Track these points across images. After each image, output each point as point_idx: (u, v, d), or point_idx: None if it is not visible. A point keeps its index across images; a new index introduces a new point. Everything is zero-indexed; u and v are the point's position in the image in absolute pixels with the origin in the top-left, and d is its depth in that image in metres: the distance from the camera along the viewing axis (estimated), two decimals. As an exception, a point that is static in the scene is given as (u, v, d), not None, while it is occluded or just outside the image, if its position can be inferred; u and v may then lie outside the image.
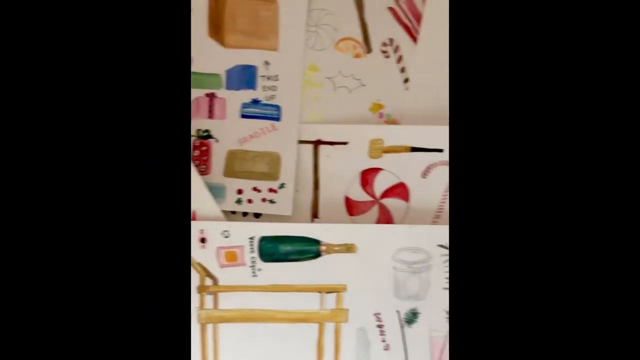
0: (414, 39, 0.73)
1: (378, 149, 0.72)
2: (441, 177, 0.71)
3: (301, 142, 0.73)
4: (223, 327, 0.69)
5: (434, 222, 0.71)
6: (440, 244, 0.69)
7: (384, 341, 0.70)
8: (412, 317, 0.70)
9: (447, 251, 0.69)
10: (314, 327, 0.70)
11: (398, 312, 0.70)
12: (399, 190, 0.72)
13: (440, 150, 0.71)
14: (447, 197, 0.71)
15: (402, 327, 0.70)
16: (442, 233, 0.69)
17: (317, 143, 0.73)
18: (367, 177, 0.72)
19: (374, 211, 0.73)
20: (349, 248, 0.69)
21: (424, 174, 0.72)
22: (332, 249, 0.69)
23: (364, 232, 0.70)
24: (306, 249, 0.69)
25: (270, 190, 0.72)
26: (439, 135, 0.71)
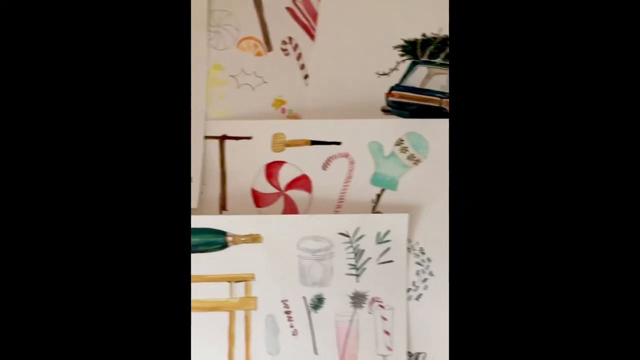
0: (312, 36, 0.75)
1: (280, 142, 0.74)
2: (340, 168, 0.73)
3: (207, 137, 0.74)
4: (137, 319, 0.70)
5: (336, 212, 0.73)
6: (341, 232, 0.71)
7: (292, 326, 0.72)
8: (317, 303, 0.72)
9: (348, 239, 0.72)
10: (224, 316, 0.71)
11: (304, 298, 0.72)
12: (302, 182, 0.74)
13: (338, 143, 0.73)
14: (347, 187, 0.73)
15: (308, 312, 0.72)
16: (342, 221, 0.72)
17: (222, 138, 0.74)
18: (271, 170, 0.74)
19: (280, 202, 0.74)
20: (254, 238, 0.71)
21: (324, 166, 0.73)
22: (239, 239, 0.71)
23: (267, 223, 0.71)
24: (213, 240, 0.71)
25: (178, 184, 0.74)
26: (337, 129, 0.73)
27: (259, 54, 0.75)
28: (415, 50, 0.74)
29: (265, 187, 0.74)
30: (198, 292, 0.71)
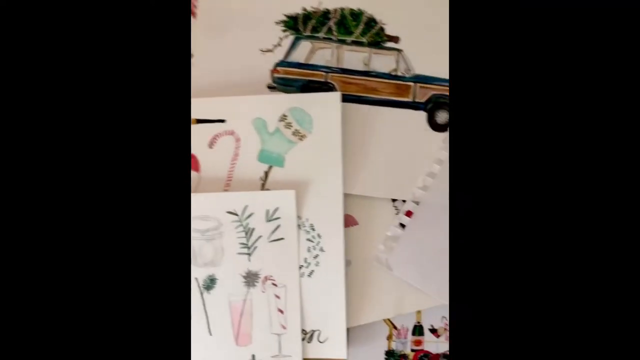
0: (194, 15, 0.75)
1: (164, 122, 0.73)
2: (227, 146, 0.73)
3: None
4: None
5: (225, 190, 0.73)
6: (229, 210, 0.71)
7: (185, 308, 0.72)
8: (210, 284, 0.72)
9: (237, 217, 0.71)
10: (116, 300, 0.71)
11: (196, 279, 0.71)
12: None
13: (222, 121, 0.73)
14: (235, 165, 0.73)
15: (201, 293, 0.72)
16: (229, 200, 0.71)
17: (107, 120, 0.73)
18: (158, 150, 0.73)
19: (168, 183, 0.74)
20: (141, 220, 0.71)
21: (211, 144, 0.73)
22: (125, 221, 0.71)
23: (153, 203, 0.71)
24: (99, 223, 0.70)
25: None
26: (221, 106, 0.73)
27: (141, 34, 0.74)
28: (297, 25, 0.74)
29: (154, 168, 0.73)
30: (87, 276, 0.70)
